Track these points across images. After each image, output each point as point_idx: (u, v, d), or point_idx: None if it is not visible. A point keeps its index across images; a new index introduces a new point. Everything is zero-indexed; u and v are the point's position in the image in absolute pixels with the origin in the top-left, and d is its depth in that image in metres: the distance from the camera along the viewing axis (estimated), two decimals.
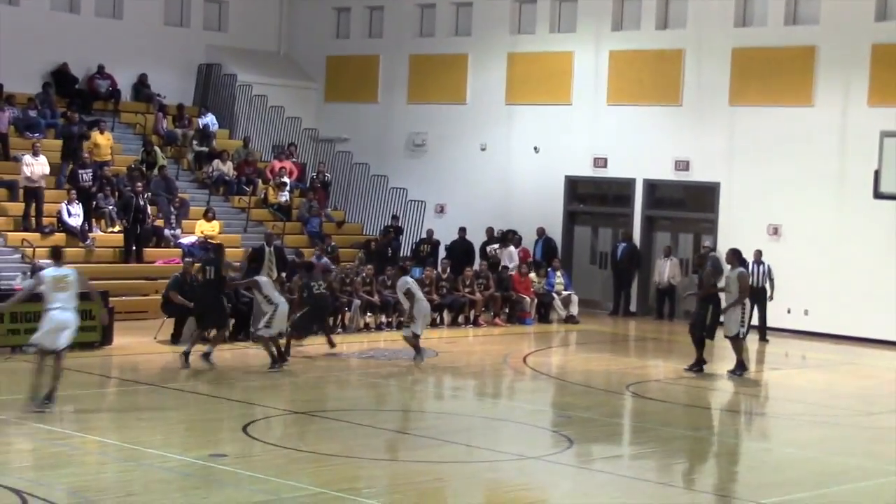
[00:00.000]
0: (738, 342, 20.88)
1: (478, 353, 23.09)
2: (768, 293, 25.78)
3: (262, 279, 20.00)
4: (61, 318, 15.31)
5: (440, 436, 15.28)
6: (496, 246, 29.55)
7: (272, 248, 24.19)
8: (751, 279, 25.52)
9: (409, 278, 21.39)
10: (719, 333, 21.33)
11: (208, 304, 19.77)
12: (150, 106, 31.34)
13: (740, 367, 20.86)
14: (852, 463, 14.75)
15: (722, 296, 20.92)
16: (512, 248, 29.36)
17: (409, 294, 20.90)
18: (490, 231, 30.22)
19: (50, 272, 15.51)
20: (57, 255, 16.06)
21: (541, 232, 30.16)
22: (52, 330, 15.32)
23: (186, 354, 19.31)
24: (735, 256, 21.07)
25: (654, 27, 29.62)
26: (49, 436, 14.32)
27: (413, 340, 20.83)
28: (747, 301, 20.98)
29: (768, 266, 25.81)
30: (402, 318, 25.19)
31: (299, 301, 21.08)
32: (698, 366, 20.98)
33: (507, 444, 15.09)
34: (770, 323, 26.10)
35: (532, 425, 16.64)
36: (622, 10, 30.20)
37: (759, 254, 25.95)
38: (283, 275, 23.72)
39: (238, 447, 14.13)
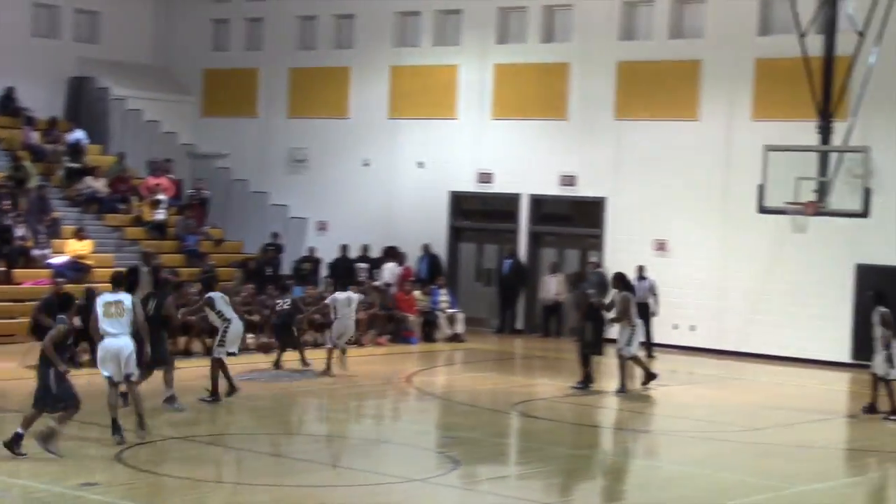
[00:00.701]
0: (634, 360, 21.50)
1: (361, 374, 22.98)
2: (651, 308, 26.13)
3: (215, 295, 19.46)
4: (114, 346, 15.22)
5: (322, 459, 15.20)
6: (364, 265, 29.47)
7: (149, 268, 23.85)
8: (636, 294, 25.98)
9: (338, 296, 22.17)
10: (609, 349, 21.66)
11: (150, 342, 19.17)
12: (17, 120, 30.76)
13: (649, 378, 21.63)
14: (739, 479, 14.98)
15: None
16: (393, 264, 29.36)
17: (335, 311, 21.64)
18: (344, 248, 30.08)
19: (103, 297, 15.49)
20: (115, 282, 15.95)
21: (425, 248, 30.23)
22: (107, 359, 15.26)
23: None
24: (619, 280, 21.62)
25: (539, 40, 29.89)
26: None
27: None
28: (638, 323, 21.53)
29: (651, 281, 26.17)
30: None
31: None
32: (584, 383, 21.25)
33: (392, 467, 15.05)
34: (657, 339, 26.44)
35: (417, 447, 16.63)
36: (507, 23, 30.45)
37: (641, 269, 26.32)
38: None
39: (111, 475, 13.88)
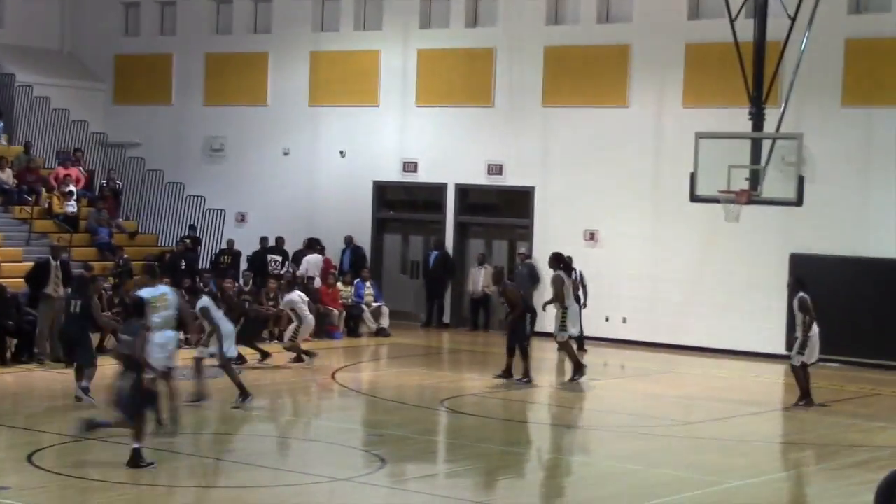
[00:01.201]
0: (566, 345, 21.75)
1: (284, 371, 22.90)
2: (581, 300, 26.19)
3: (206, 301, 19.19)
4: (160, 340, 15.53)
5: (245, 459, 15.12)
6: (277, 258, 29.34)
7: (58, 263, 23.51)
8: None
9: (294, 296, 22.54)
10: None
11: (74, 339, 19.03)
12: None
13: (577, 372, 21.78)
14: (672, 474, 15.11)
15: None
16: (316, 256, 29.26)
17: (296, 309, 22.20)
18: (264, 241, 30.00)
19: (146, 292, 15.82)
20: (152, 273, 16.72)
21: (349, 240, 30.18)
22: (154, 352, 15.43)
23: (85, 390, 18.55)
24: (554, 260, 21.86)
25: (463, 25, 29.93)
26: None
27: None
28: (571, 305, 21.74)
29: (580, 272, 26.24)
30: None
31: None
32: (508, 374, 21.67)
33: (317, 466, 15.00)
34: (588, 332, 26.54)
35: (342, 445, 16.59)
36: (430, 8, 30.45)
37: (569, 260, 26.33)
38: (69, 290, 23.08)
39: (22, 478, 13.70)
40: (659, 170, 27.40)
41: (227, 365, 18.83)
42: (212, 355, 18.94)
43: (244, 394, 18.59)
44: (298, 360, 23.10)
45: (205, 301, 19.04)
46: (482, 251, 29.71)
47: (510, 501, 13.79)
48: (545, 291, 28.35)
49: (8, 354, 21.67)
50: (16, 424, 16.85)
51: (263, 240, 30.03)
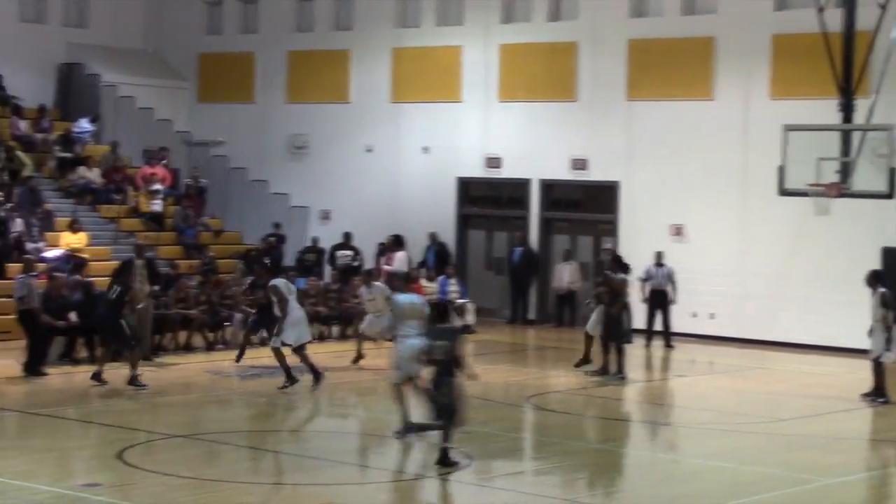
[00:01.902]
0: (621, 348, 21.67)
1: (368, 368, 23.01)
2: (670, 296, 26.15)
3: (279, 281, 19.77)
4: (414, 345, 15.74)
5: (331, 456, 15.22)
6: (348, 253, 29.43)
7: (144, 261, 23.78)
8: (654, 282, 26.06)
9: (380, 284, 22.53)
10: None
11: (107, 327, 19.50)
12: (5, 109, 30.77)
13: (620, 373, 21.58)
14: (763, 472, 14.99)
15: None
16: (403, 253, 29.36)
17: (389, 301, 21.42)
18: (346, 237, 30.17)
19: (405, 299, 16.33)
20: (406, 279, 18.38)
21: (433, 237, 30.23)
22: (409, 358, 15.80)
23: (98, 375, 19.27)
24: (615, 262, 21.85)
25: (545, 19, 29.86)
26: None
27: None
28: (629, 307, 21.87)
29: (670, 269, 26.17)
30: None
31: None
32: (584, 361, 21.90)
33: (402, 463, 15.06)
34: (675, 328, 26.44)
35: (429, 442, 16.63)
36: (512, 2, 30.42)
37: (659, 255, 26.33)
38: (157, 288, 23.43)
39: (113, 475, 13.92)
40: (746, 163, 27.17)
41: (277, 349, 19.17)
42: (285, 344, 19.33)
43: (291, 379, 19.36)
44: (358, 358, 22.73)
45: (277, 281, 19.46)
46: (567, 247, 29.62)
47: (598, 499, 13.77)
48: (632, 287, 28.25)
49: (98, 352, 21.93)
50: (105, 422, 17.11)
51: (347, 236, 30.18)
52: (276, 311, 19.75)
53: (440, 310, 15.61)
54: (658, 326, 26.18)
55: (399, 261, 29.09)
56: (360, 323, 23.32)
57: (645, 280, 26.13)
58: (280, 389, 19.26)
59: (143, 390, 18.88)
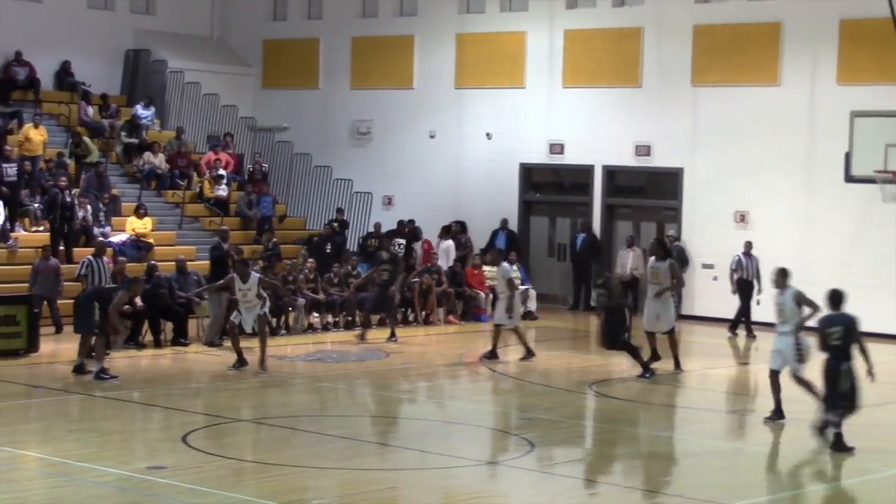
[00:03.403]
0: (673, 337, 20.91)
1: (431, 353, 23.08)
2: (756, 287, 25.71)
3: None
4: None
5: (392, 441, 15.28)
6: (401, 241, 29.40)
7: (228, 245, 23.85)
8: (741, 272, 25.57)
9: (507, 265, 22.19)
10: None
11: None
12: (73, 95, 31.07)
13: (677, 365, 20.96)
14: (827, 461, 14.85)
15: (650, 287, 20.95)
16: (450, 241, 29.28)
17: (510, 283, 21.43)
18: (411, 223, 30.13)
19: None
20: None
21: (503, 223, 30.16)
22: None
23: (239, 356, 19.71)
24: (660, 246, 20.91)
25: (610, 4, 29.71)
26: None
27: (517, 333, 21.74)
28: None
29: (757, 259, 25.66)
30: (350, 317, 25.30)
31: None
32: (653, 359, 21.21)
33: (464, 449, 15.09)
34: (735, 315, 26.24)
35: (490, 428, 16.66)
36: None
37: (749, 245, 25.90)
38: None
39: (178, 458, 14.04)
40: (812, 149, 26.89)
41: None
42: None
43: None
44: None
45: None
46: (630, 233, 29.49)
47: (660, 487, 13.71)
48: (695, 274, 28.15)
49: (163, 337, 22.16)
50: (171, 406, 17.25)
51: (410, 222, 30.20)
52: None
53: (835, 297, 15.90)
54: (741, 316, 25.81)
55: (446, 249, 28.91)
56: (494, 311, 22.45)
57: (734, 270, 25.77)
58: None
59: (113, 381, 18.58)
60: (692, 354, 22.92)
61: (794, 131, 27.14)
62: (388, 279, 24.24)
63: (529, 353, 21.62)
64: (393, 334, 23.89)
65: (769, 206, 27.43)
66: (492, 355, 21.51)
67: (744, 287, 25.78)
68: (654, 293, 20.46)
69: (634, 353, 20.30)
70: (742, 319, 25.82)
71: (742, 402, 19.67)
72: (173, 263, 23.76)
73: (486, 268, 28.13)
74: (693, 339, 25.47)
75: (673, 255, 21.77)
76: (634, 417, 17.48)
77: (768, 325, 25.94)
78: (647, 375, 20.15)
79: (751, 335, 25.55)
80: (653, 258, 20.86)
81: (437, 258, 28.07)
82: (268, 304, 20.19)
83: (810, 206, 26.99)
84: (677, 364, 20.76)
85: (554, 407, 17.81)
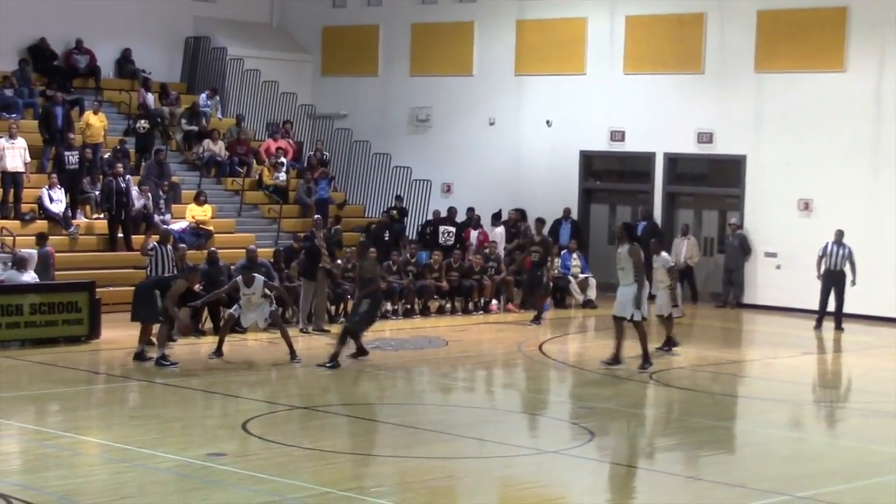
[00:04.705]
0: (668, 321, 21.31)
1: (490, 342, 23.09)
2: (849, 277, 25.08)
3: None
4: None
5: (451, 430, 15.30)
6: (450, 229, 29.35)
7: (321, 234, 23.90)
8: (830, 261, 24.97)
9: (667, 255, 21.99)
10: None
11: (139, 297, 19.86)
12: (134, 83, 31.33)
13: (668, 343, 21.23)
14: (893, 452, 14.73)
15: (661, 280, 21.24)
16: (500, 228, 29.22)
17: (672, 272, 21.39)
18: (470, 212, 30.09)
19: None
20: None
21: (567, 212, 30.08)
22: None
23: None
24: (626, 231, 19.85)
25: None
26: (36, 436, 14.39)
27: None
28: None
29: (849, 248, 25.20)
30: (409, 305, 25.35)
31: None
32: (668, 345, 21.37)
33: (523, 438, 15.11)
34: (802, 304, 26.00)
35: (549, 417, 16.66)
36: None
37: (840, 234, 25.22)
38: (339, 262, 24.33)
39: (237, 445, 14.16)
40: (879, 136, 26.63)
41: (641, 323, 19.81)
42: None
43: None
44: None
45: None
46: (686, 221, 29.31)
47: (721, 477, 13.65)
48: (757, 262, 27.99)
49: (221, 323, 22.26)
50: (230, 393, 17.38)
51: (470, 210, 30.18)
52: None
53: None
54: (831, 307, 25.11)
55: (498, 236, 28.84)
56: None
57: (821, 257, 25.05)
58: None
59: (173, 368, 18.75)
60: (755, 344, 22.80)
61: (861, 118, 26.89)
62: (539, 260, 24.97)
63: (671, 343, 21.35)
64: (538, 317, 24.61)
65: (834, 194, 27.19)
66: (668, 344, 21.34)
67: (830, 277, 24.91)
68: (624, 281, 19.75)
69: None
70: (828, 311, 25.00)
71: (805, 393, 19.53)
72: (232, 251, 23.90)
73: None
74: (755, 329, 25.32)
75: (639, 241, 20.31)
76: (695, 407, 17.40)
77: (861, 318, 25.91)
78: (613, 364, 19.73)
79: (839, 328, 24.79)
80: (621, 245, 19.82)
81: (495, 247, 28.03)
82: (273, 302, 20.22)
83: (876, 194, 26.73)
84: (645, 357, 19.84)
85: (614, 396, 17.77)
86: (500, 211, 29.95)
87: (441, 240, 29.03)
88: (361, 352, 19.85)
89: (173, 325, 19.72)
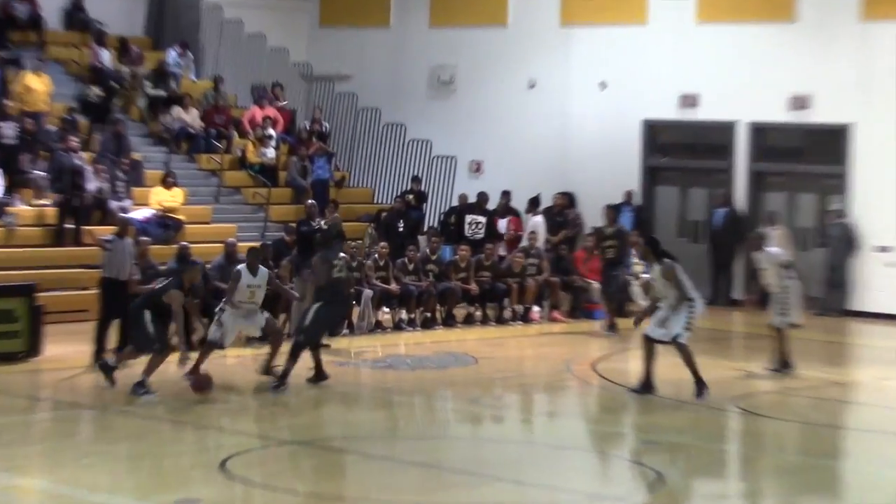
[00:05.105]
0: (783, 335, 21.24)
1: (531, 359, 23.02)
2: None
3: (675, 264, 19.61)
4: None
5: (482, 470, 15.24)
6: (480, 218, 29.22)
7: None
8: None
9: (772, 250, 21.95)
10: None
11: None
12: (86, 36, 31.31)
13: (783, 363, 21.26)
14: None
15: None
16: (540, 217, 29.09)
17: (789, 267, 21.59)
18: (506, 196, 30.00)
19: None
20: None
21: (628, 197, 30.01)
22: None
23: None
24: (651, 247, 19.59)
25: None
26: None
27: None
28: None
29: None
30: (428, 313, 25.24)
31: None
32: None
33: (573, 481, 15.02)
34: None
35: (606, 454, 16.58)
36: None
37: None
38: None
39: (215, 490, 14.06)
40: None
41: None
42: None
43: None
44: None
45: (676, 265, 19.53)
46: (779, 207, 29.28)
47: None
48: (866, 259, 27.87)
49: (195, 337, 22.17)
50: (205, 423, 17.30)
51: (505, 195, 30.12)
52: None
53: None
54: None
55: (536, 226, 28.71)
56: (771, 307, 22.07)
57: None
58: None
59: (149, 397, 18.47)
60: (863, 361, 22.69)
61: None
62: (615, 257, 25.42)
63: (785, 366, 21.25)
64: (612, 325, 25.01)
65: None
66: (784, 366, 21.25)
67: None
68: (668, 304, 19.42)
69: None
70: None
71: None
72: (207, 245, 23.83)
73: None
74: (864, 342, 25.19)
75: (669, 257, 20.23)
76: (789, 441, 17.31)
77: None
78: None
79: None
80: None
81: (535, 239, 27.84)
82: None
83: None
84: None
85: (687, 428, 17.72)
86: (538, 196, 29.82)
87: (468, 232, 28.94)
88: (319, 373, 19.50)
89: (167, 352, 18.96)
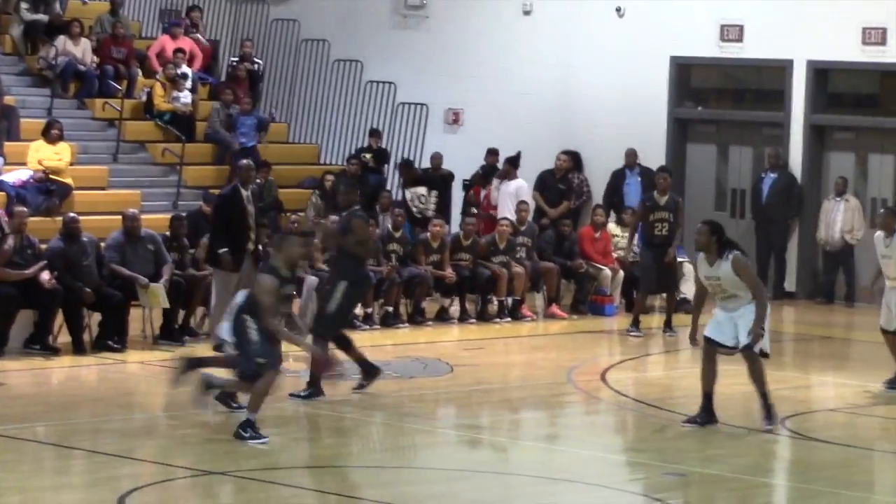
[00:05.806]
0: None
1: (522, 366, 23.16)
2: None
3: None
4: None
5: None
6: (420, 191, 29.37)
7: (249, 193, 23.52)
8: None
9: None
10: None
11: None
12: None
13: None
14: None
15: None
16: (520, 182, 29.03)
17: None
18: (492, 155, 30.18)
19: None
20: None
21: (631, 156, 30.10)
22: None
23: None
24: (715, 236, 19.39)
25: None
26: None
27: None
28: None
29: None
30: (390, 307, 25.40)
31: None
32: None
33: None
34: None
35: (616, 489, 16.75)
36: None
37: None
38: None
39: None
40: None
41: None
42: None
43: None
44: None
45: None
46: (849, 173, 29.40)
47: None
48: None
49: (87, 336, 22.34)
50: (103, 449, 17.41)
51: (491, 153, 30.16)
52: None
53: None
54: None
55: (509, 194, 28.82)
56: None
57: None
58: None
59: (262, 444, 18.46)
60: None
61: None
62: (668, 235, 25.33)
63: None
64: (669, 323, 25.38)
65: None
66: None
67: None
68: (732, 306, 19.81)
69: None
70: None
71: None
72: (102, 218, 24.03)
73: (612, 227, 28.07)
74: None
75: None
76: (850, 472, 17.47)
77: None
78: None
79: None
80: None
81: (525, 210, 27.96)
82: None
83: None
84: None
85: (724, 455, 17.88)
86: (518, 154, 29.62)
87: (414, 208, 28.99)
88: (368, 371, 20.02)
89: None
